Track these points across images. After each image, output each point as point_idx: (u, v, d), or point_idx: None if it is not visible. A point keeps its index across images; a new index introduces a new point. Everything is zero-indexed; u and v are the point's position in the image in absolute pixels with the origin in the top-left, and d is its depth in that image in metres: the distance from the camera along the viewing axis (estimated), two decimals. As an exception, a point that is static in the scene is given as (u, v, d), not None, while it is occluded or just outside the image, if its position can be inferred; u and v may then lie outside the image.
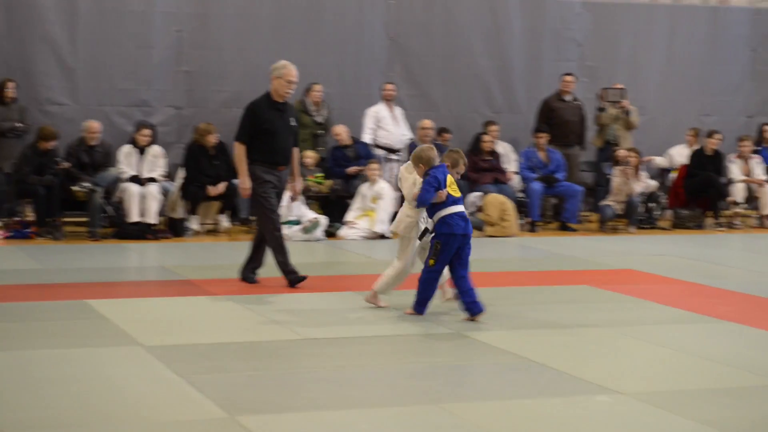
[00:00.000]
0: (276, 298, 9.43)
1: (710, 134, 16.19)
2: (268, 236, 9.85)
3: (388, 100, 15.37)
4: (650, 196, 15.92)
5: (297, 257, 10.46)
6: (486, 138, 15.40)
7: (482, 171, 15.28)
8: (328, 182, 14.73)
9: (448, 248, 8.39)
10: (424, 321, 8.41)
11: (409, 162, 8.73)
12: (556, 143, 15.85)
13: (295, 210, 13.54)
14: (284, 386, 6.42)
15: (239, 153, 9.77)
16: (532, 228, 15.17)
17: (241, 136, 9.78)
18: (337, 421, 5.71)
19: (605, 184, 15.87)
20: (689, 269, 11.60)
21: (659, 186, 16.36)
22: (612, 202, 15.35)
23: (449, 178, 8.46)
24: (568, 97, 16.23)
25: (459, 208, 8.47)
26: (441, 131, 15.72)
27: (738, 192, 16.21)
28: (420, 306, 8.56)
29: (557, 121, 16.02)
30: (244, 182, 9.74)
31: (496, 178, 15.31)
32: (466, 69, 16.78)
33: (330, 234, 13.94)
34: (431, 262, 8.43)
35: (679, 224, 15.97)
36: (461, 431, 5.60)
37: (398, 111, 15.53)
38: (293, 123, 9.96)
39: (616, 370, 6.95)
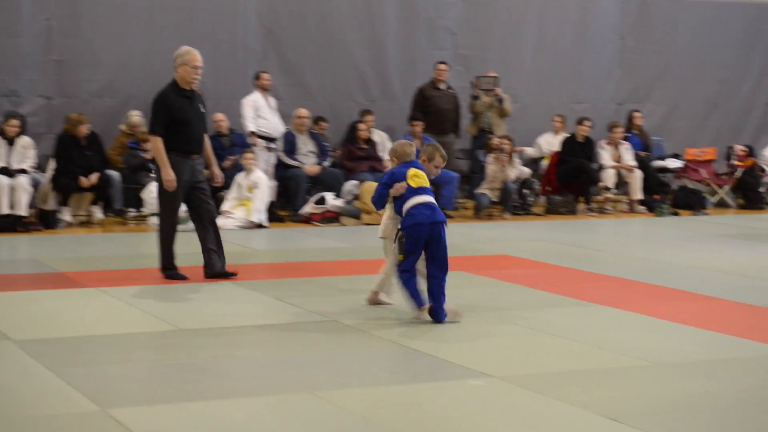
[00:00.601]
0: (151, 289, 9.32)
1: (581, 121, 16.47)
2: (161, 227, 9.71)
3: (265, 89, 15.27)
4: (524, 183, 16.14)
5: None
6: (361, 126, 15.44)
7: (358, 159, 15.33)
8: (206, 173, 14.56)
9: (413, 240, 7.89)
10: (299, 309, 8.39)
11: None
12: (432, 131, 15.94)
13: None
14: (158, 378, 6.35)
15: (158, 146, 9.49)
16: (408, 216, 15.24)
17: (157, 129, 9.53)
18: (211, 411, 5.66)
19: (480, 171, 16.04)
20: (562, 254, 11.80)
21: (532, 173, 16.60)
22: (487, 190, 15.51)
23: (413, 171, 8.04)
24: (442, 86, 16.36)
25: (424, 198, 7.98)
26: (317, 120, 15.72)
27: (609, 178, 16.54)
28: (413, 303, 7.99)
29: (432, 109, 16.13)
30: (167, 174, 9.46)
31: (373, 166, 15.36)
32: (341, 58, 16.80)
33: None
34: (399, 258, 7.97)
35: (552, 210, 16.22)
36: (337, 419, 5.61)
37: (272, 100, 15.45)
38: (203, 110, 9.79)
39: (491, 355, 7.03)
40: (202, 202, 9.75)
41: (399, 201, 8.03)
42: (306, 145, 15.12)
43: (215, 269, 9.71)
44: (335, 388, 6.16)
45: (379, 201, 8.18)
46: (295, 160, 14.96)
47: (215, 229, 9.80)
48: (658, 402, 6.00)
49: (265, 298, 8.93)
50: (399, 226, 8.04)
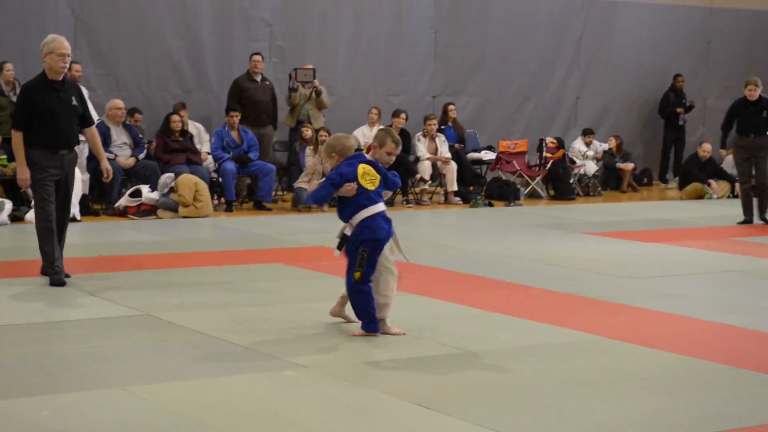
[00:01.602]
0: (-45, 286, 9.01)
1: (397, 113, 16.65)
2: (37, 225, 9.12)
3: (75, 80, 14.86)
4: (342, 175, 16.18)
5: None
6: (174, 118, 15.21)
7: (174, 152, 15.12)
8: (13, 164, 14.15)
9: (374, 256, 7.29)
10: (112, 304, 8.25)
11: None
12: (249, 123, 15.89)
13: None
14: (-39, 377, 6.15)
15: (16, 141, 8.99)
16: (228, 208, 15.16)
17: (17, 123, 9.04)
18: (16, 409, 5.50)
19: (298, 163, 16.04)
20: (378, 245, 11.87)
21: (350, 165, 16.67)
22: (305, 183, 15.45)
23: (363, 168, 7.29)
24: (258, 77, 16.31)
25: (380, 207, 7.32)
26: (132, 111, 15.44)
27: (425, 169, 16.77)
28: (369, 324, 7.35)
29: (248, 101, 16.07)
30: (22, 172, 8.99)
31: (189, 158, 15.18)
32: (155, 48, 16.55)
33: (17, 218, 13.41)
34: (357, 275, 7.24)
35: (369, 202, 16.31)
36: (148, 413, 5.53)
37: (84, 91, 15.06)
38: (75, 102, 9.18)
39: (304, 345, 7.05)
40: (59, 204, 9.16)
41: (349, 206, 7.31)
42: (120, 137, 14.84)
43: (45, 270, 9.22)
44: (147, 382, 6.08)
45: (322, 199, 7.55)
46: (108, 152, 14.64)
47: (63, 234, 9.22)
48: (468, 388, 6.12)
49: (77, 292, 8.74)
50: (355, 237, 7.32)
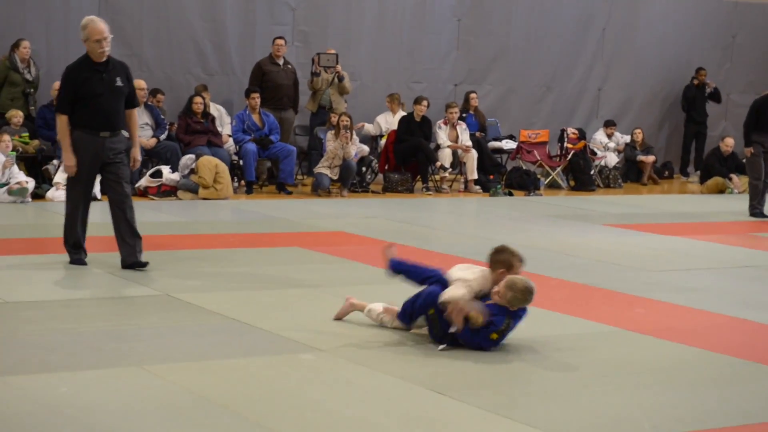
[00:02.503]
0: (-24, 261, 9.06)
1: (418, 101, 16.63)
2: (66, 208, 9.07)
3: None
4: (362, 161, 16.22)
5: (3, 219, 10.04)
6: (196, 100, 15.22)
7: (196, 133, 15.14)
8: (35, 142, 14.22)
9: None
10: (132, 283, 8.29)
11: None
12: (270, 106, 15.91)
13: (7, 172, 13.07)
14: (-19, 351, 6.19)
15: (61, 126, 8.81)
16: (248, 189, 15.18)
17: (61, 107, 8.85)
18: (35, 385, 5.54)
19: (319, 147, 16.05)
20: (398, 232, 11.90)
21: (370, 150, 16.69)
22: (326, 168, 15.45)
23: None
24: (280, 61, 16.31)
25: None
26: (154, 92, 15.48)
27: (445, 157, 16.75)
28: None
29: (270, 84, 16.09)
30: (68, 159, 8.80)
31: (210, 140, 15.20)
32: (179, 30, 16.56)
33: (38, 195, 13.46)
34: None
35: (389, 188, 16.34)
36: (163, 392, 5.55)
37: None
38: (119, 83, 8.86)
39: (322, 329, 7.06)
40: (110, 186, 9.00)
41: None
42: (142, 118, 14.86)
43: (125, 260, 8.97)
44: (164, 362, 6.11)
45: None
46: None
47: (125, 216, 8.96)
48: (485, 377, 6.13)
49: (97, 271, 8.78)
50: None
